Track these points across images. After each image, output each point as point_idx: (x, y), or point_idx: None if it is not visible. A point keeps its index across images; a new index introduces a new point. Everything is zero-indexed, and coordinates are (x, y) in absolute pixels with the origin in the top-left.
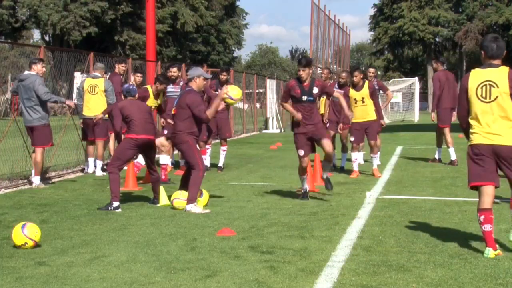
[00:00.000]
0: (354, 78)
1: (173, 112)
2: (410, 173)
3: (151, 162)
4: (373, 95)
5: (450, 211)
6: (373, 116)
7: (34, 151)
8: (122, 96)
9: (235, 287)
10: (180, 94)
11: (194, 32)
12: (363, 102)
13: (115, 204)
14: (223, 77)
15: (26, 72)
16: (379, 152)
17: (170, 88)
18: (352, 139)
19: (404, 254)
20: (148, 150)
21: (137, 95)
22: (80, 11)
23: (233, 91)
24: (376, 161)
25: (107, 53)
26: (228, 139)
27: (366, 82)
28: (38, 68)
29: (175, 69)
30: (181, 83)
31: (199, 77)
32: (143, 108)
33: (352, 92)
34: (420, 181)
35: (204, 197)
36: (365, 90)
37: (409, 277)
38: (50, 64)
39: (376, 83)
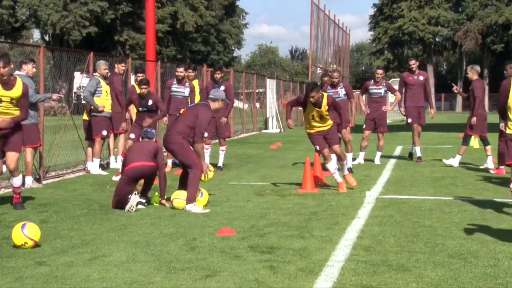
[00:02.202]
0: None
1: (181, 112)
2: (410, 173)
3: (147, 190)
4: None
5: (450, 211)
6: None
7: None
8: (140, 139)
9: (235, 287)
10: (198, 103)
11: (194, 32)
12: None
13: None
14: (217, 75)
15: (16, 72)
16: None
17: (175, 87)
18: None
19: (404, 254)
20: (147, 177)
21: (154, 139)
22: (80, 11)
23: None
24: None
25: (107, 53)
26: (227, 139)
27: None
28: (28, 68)
29: (181, 69)
30: (187, 84)
31: (222, 100)
32: (145, 149)
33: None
34: (420, 181)
35: (204, 197)
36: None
37: (409, 277)
38: (50, 64)
39: (384, 84)
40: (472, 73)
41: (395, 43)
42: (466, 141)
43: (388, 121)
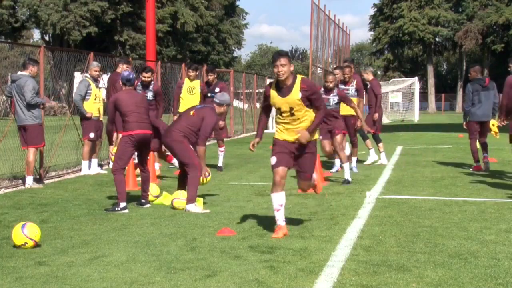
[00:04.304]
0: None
1: (192, 114)
2: (410, 173)
3: (144, 159)
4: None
5: (450, 211)
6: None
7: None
8: (121, 84)
9: (235, 287)
10: (205, 106)
11: (194, 32)
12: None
13: (122, 204)
14: (210, 77)
15: (19, 72)
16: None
17: (138, 89)
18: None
19: (404, 254)
20: (144, 146)
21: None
22: (80, 11)
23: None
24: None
25: (107, 53)
26: (227, 139)
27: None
28: (33, 69)
29: (148, 74)
30: (151, 87)
31: (227, 105)
32: (140, 102)
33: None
34: (420, 181)
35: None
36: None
37: (409, 277)
38: (50, 64)
39: (336, 92)
40: (367, 74)
41: (395, 43)
42: (378, 138)
43: (388, 121)
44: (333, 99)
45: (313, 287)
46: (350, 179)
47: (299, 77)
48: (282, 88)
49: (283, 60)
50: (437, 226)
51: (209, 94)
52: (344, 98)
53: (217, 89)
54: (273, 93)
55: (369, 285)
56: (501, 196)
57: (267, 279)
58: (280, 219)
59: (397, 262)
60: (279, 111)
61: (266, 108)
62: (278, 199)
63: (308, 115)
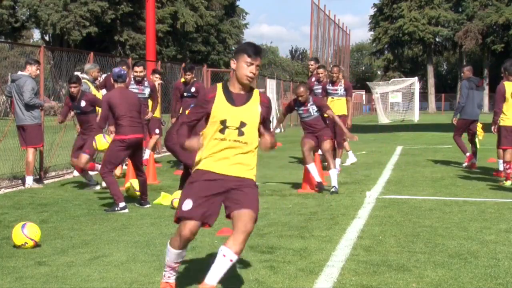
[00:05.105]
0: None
1: (187, 113)
2: (410, 173)
3: (139, 162)
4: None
5: (450, 211)
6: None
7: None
8: (112, 81)
9: (235, 287)
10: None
11: (194, 32)
12: None
13: (121, 204)
14: (187, 76)
15: (19, 72)
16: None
17: (133, 87)
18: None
19: (404, 254)
20: (137, 150)
21: (128, 80)
22: (80, 11)
23: None
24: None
25: (107, 53)
26: None
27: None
28: (33, 69)
29: (140, 68)
30: (146, 83)
31: None
32: (133, 103)
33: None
34: (420, 181)
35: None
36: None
37: (409, 277)
38: (50, 64)
39: (312, 100)
40: (342, 73)
41: (395, 43)
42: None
43: (388, 121)
44: (312, 108)
45: (313, 287)
46: (337, 186)
47: (256, 90)
48: (233, 94)
49: (260, 61)
50: (437, 226)
51: (185, 94)
52: (322, 106)
53: (193, 89)
54: (219, 98)
55: (369, 285)
56: (501, 196)
57: (267, 279)
58: (172, 277)
59: (397, 262)
60: (222, 127)
61: (194, 121)
62: (177, 256)
63: (256, 144)
